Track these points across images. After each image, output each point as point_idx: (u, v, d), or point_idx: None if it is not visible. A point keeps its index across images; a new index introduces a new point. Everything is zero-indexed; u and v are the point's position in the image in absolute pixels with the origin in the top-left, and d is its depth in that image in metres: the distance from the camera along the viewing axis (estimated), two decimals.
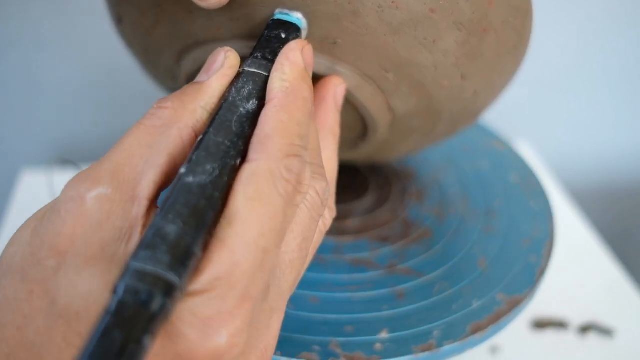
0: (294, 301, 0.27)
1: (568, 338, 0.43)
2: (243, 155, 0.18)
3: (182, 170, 0.17)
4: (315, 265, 0.29)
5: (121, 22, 0.27)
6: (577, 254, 0.52)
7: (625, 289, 0.49)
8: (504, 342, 0.42)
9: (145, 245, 0.15)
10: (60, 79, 0.60)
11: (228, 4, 0.21)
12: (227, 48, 0.20)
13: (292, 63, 0.20)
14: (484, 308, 0.27)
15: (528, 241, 0.32)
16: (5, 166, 0.65)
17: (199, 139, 0.18)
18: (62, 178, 0.52)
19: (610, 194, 0.80)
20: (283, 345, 0.24)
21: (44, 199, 0.50)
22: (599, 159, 0.78)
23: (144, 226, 0.17)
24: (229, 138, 0.18)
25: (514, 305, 0.27)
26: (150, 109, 0.19)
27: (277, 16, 0.21)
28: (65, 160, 0.60)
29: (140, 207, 0.17)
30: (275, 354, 0.24)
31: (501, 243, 0.32)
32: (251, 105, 0.19)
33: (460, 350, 0.25)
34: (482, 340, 0.26)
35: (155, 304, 0.14)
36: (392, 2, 0.21)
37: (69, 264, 0.16)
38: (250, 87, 0.19)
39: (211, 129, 0.18)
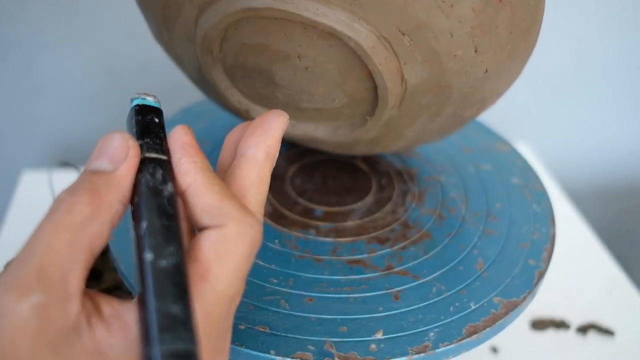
0: (290, 301, 0.27)
1: (568, 338, 0.43)
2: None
3: (150, 256, 0.18)
4: (312, 265, 0.29)
5: None
6: (577, 254, 0.52)
7: (625, 289, 0.49)
8: (504, 342, 0.42)
9: (163, 329, 0.17)
10: (60, 80, 0.60)
11: None
12: (127, 135, 0.20)
13: (189, 148, 0.22)
14: (481, 310, 0.27)
15: (528, 244, 0.32)
16: (5, 167, 0.65)
17: (144, 225, 0.19)
18: (61, 180, 0.51)
19: (609, 194, 0.80)
20: (278, 345, 0.25)
21: (44, 200, 0.49)
22: (598, 159, 0.78)
23: (87, 318, 0.18)
24: (171, 219, 0.19)
25: (512, 308, 0.27)
26: (61, 203, 0.18)
27: (138, 101, 0.23)
28: (64, 162, 0.60)
29: (77, 304, 0.17)
30: (270, 352, 0.24)
31: (501, 246, 0.32)
32: (169, 187, 0.20)
33: (455, 352, 0.25)
34: (478, 343, 0.26)
35: None
36: None
37: None
38: (162, 172, 0.21)
39: (151, 214, 0.19)
